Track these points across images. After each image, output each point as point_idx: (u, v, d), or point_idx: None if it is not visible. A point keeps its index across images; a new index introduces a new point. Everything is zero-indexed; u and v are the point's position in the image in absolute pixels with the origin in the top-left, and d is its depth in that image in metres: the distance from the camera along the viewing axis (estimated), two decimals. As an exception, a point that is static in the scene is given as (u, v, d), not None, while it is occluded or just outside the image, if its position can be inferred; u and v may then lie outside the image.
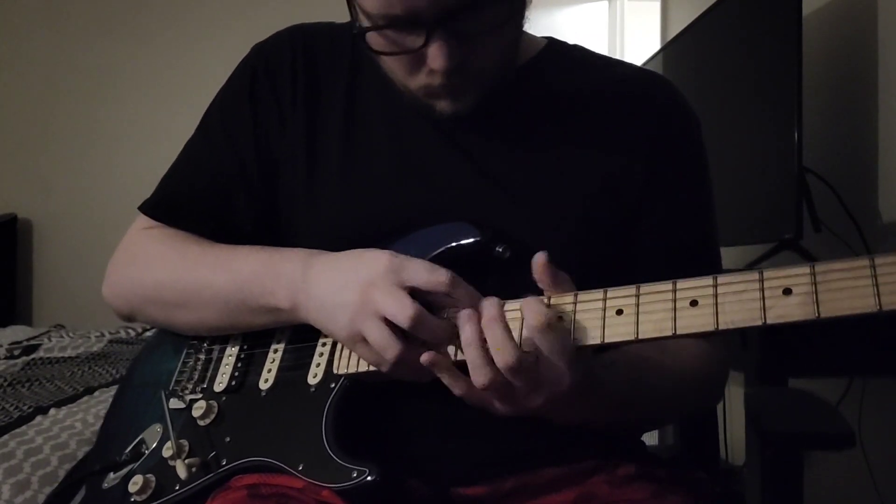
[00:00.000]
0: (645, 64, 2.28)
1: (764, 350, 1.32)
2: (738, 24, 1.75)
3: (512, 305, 0.71)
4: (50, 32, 3.27)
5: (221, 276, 0.86)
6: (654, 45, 2.84)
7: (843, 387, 1.60)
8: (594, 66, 0.94)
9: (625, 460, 0.85)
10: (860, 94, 1.64)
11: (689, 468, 0.90)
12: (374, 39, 0.79)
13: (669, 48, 2.21)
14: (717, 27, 1.86)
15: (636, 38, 3.00)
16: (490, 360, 0.68)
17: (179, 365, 0.93)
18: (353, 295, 0.75)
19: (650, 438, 1.73)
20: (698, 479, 0.88)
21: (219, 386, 0.89)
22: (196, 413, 0.86)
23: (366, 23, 0.78)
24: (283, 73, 0.91)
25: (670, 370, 0.83)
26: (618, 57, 2.96)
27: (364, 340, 0.75)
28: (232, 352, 0.91)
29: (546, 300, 0.70)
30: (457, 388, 0.71)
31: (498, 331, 0.68)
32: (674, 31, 2.36)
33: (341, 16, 0.88)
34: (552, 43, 0.95)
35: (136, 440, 0.89)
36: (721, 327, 0.63)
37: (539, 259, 0.70)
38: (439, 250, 0.79)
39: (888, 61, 1.56)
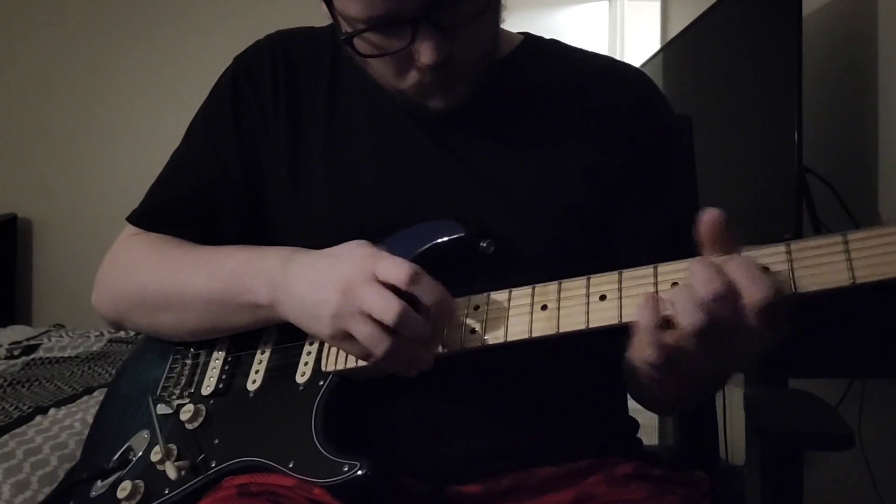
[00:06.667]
0: (645, 64, 2.28)
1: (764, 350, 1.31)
2: (738, 24, 1.75)
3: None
4: (48, 32, 3.27)
5: (202, 276, 0.86)
6: (654, 45, 2.84)
7: (844, 388, 1.60)
8: (570, 58, 0.95)
9: (623, 459, 0.85)
10: (860, 94, 1.64)
11: (689, 468, 0.90)
12: (361, 44, 0.80)
13: (669, 48, 2.20)
14: (717, 27, 1.86)
15: (636, 38, 3.00)
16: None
17: (166, 371, 0.93)
18: (334, 293, 0.75)
19: (650, 438, 1.73)
20: (697, 479, 0.88)
21: (206, 389, 0.89)
22: (184, 417, 0.86)
23: (349, 29, 0.78)
24: (264, 80, 0.92)
25: None
26: (618, 57, 2.97)
27: (349, 337, 0.75)
28: (219, 356, 0.91)
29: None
30: (651, 352, 0.64)
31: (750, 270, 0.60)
32: (674, 31, 2.36)
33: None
34: (529, 38, 0.96)
35: (124, 447, 0.90)
36: None
37: (715, 217, 0.63)
38: (424, 248, 0.79)
39: (888, 61, 1.56)
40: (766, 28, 1.57)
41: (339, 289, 0.74)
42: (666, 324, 0.63)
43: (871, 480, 1.57)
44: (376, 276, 0.74)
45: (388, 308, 0.72)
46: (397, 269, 0.73)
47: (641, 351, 0.65)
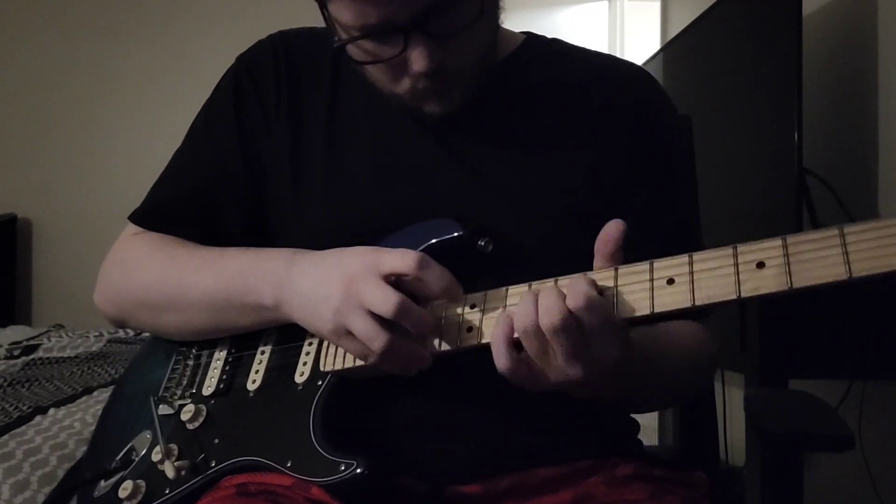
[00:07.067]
0: (645, 64, 2.28)
1: (764, 352, 1.32)
2: (738, 24, 1.75)
3: (562, 281, 0.71)
4: (49, 32, 3.27)
5: (207, 276, 0.87)
6: (654, 45, 2.84)
7: (844, 389, 1.60)
8: (573, 58, 0.95)
9: (623, 460, 0.85)
10: (860, 94, 1.64)
11: (689, 469, 0.90)
12: (355, 51, 0.80)
13: (669, 48, 2.20)
14: (717, 27, 1.86)
15: (636, 38, 3.00)
16: (539, 328, 0.66)
17: (168, 372, 0.94)
18: (336, 289, 0.75)
19: (650, 439, 1.73)
20: (697, 480, 0.88)
21: (207, 389, 0.89)
22: (185, 417, 0.87)
23: (344, 35, 0.79)
24: (266, 80, 0.92)
25: (675, 350, 0.83)
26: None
27: (349, 334, 0.75)
28: (220, 356, 0.91)
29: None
30: (502, 362, 0.69)
31: (551, 295, 0.66)
32: (674, 31, 2.36)
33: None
34: (531, 38, 0.96)
35: (127, 447, 0.90)
36: (697, 303, 0.64)
37: (616, 227, 0.69)
38: (422, 247, 0.79)
39: (888, 61, 1.56)
40: (766, 28, 1.57)
41: (343, 284, 0.75)
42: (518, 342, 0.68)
43: (871, 482, 1.57)
44: (380, 270, 0.74)
45: (386, 300, 0.72)
46: (404, 258, 0.74)
47: (496, 361, 0.69)
